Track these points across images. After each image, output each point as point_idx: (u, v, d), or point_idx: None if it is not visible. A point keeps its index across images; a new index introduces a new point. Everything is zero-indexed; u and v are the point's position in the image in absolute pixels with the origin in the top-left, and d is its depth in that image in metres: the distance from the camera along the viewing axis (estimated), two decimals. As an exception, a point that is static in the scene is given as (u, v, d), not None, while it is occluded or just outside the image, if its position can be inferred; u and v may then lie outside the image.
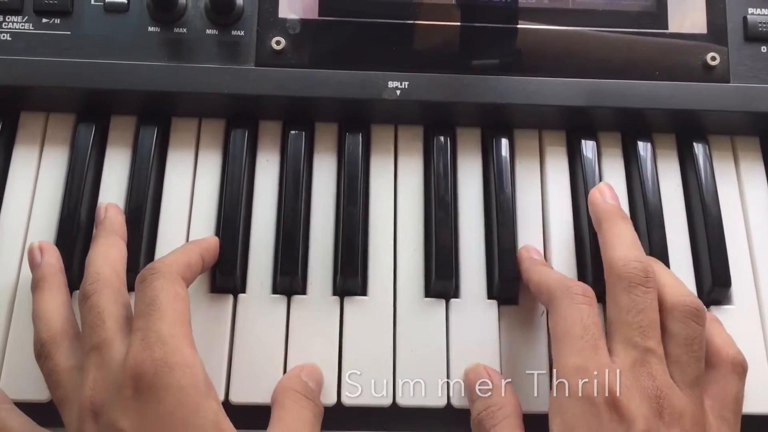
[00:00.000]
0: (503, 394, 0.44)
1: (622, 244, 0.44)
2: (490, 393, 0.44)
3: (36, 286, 0.45)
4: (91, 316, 0.41)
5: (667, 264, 0.49)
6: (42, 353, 0.42)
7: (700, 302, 0.42)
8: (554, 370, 0.40)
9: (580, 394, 0.38)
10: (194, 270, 0.44)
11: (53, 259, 0.46)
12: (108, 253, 0.44)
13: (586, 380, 0.38)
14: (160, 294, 0.39)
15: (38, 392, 0.45)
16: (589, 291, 0.42)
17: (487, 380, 0.45)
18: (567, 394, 0.39)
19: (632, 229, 0.45)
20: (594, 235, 0.48)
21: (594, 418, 0.38)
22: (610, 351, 0.41)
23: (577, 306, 0.41)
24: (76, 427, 0.38)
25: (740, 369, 0.43)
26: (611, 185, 0.49)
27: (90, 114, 0.51)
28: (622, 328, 0.41)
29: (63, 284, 0.45)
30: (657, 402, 0.38)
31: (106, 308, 0.41)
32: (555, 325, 0.42)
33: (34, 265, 0.46)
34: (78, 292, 0.46)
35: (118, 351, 0.39)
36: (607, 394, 0.38)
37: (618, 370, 0.39)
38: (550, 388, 0.40)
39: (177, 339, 0.38)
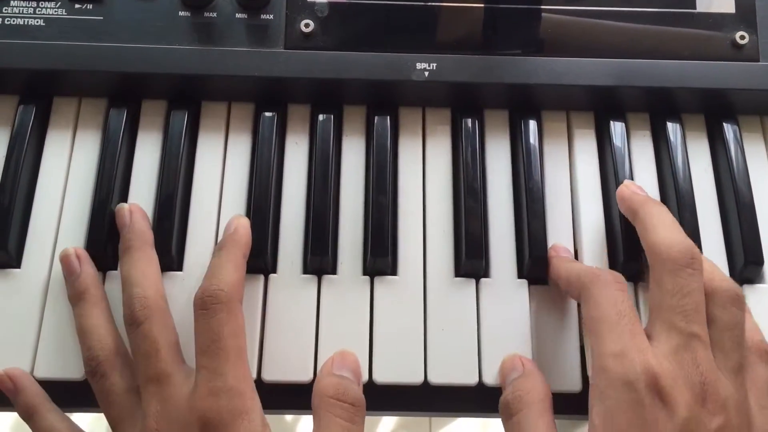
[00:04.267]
0: (534, 379, 0.43)
1: (663, 226, 0.43)
2: (520, 377, 0.44)
3: (80, 297, 0.45)
4: (146, 345, 0.41)
5: (699, 245, 0.48)
6: (98, 372, 0.43)
7: (739, 288, 0.42)
8: (592, 357, 0.40)
9: (619, 380, 0.37)
10: (244, 279, 0.44)
11: (92, 269, 0.46)
12: (146, 270, 0.45)
13: (626, 366, 0.37)
14: (224, 329, 0.40)
15: (72, 371, 0.45)
16: (620, 277, 0.41)
17: (520, 367, 0.44)
18: (606, 381, 0.38)
19: (669, 212, 0.44)
20: (624, 217, 0.48)
21: (635, 404, 0.37)
22: (650, 336, 0.40)
23: (610, 291, 0.40)
24: None
25: (765, 356, 0.42)
26: (635, 182, 0.49)
27: (121, 99, 0.52)
28: (664, 312, 0.40)
29: (104, 296, 0.46)
30: (701, 388, 0.37)
31: (159, 337, 0.42)
32: (588, 312, 0.41)
33: (71, 273, 0.46)
34: (114, 274, 0.47)
35: (177, 384, 0.40)
36: (648, 379, 0.37)
37: (659, 353, 0.38)
38: (589, 374, 0.40)
39: (240, 382, 0.40)
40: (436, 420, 1.25)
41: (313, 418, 0.42)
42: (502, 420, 0.43)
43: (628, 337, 0.38)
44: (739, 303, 0.41)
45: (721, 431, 0.37)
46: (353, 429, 0.41)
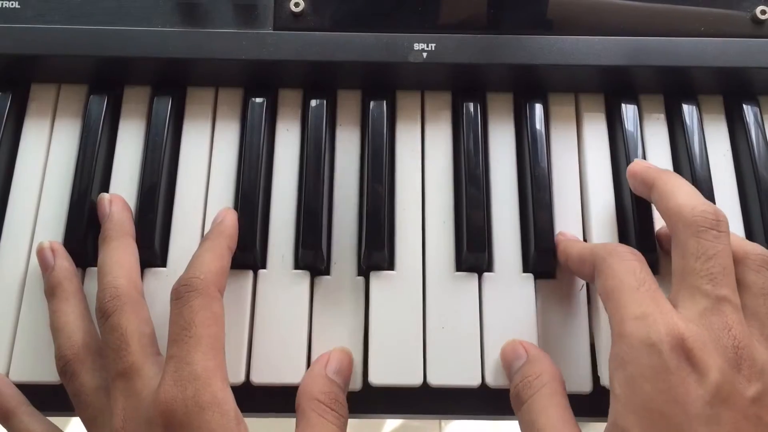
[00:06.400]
0: (540, 362, 0.41)
1: (683, 190, 0.40)
2: (526, 363, 0.41)
3: (52, 293, 0.43)
4: (114, 337, 0.39)
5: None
6: (67, 371, 0.41)
7: None
8: (611, 326, 0.37)
9: (642, 344, 0.34)
10: (227, 271, 0.42)
11: (66, 262, 0.44)
12: (122, 259, 0.42)
13: (648, 328, 0.34)
14: (197, 317, 0.38)
15: (48, 374, 0.43)
16: (637, 252, 0.38)
17: (523, 353, 0.42)
18: (628, 346, 0.35)
19: (687, 181, 0.41)
20: (638, 206, 0.45)
21: (660, 369, 0.33)
22: (673, 304, 0.36)
23: (627, 261, 0.37)
24: None
25: None
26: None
27: (102, 85, 0.49)
28: (688, 277, 0.37)
29: (79, 290, 0.44)
30: (734, 353, 0.34)
31: (129, 328, 0.39)
32: (605, 282, 0.38)
33: (46, 268, 0.44)
34: (94, 270, 0.45)
35: (147, 377, 0.38)
36: (673, 341, 0.34)
37: (686, 318, 0.35)
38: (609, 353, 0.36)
39: (209, 372, 0.36)
40: (445, 414, 1.23)
41: (299, 417, 0.40)
42: (515, 411, 0.40)
43: (650, 301, 0.35)
44: None
45: (759, 399, 0.34)
46: None
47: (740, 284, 0.37)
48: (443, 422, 1.24)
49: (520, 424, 0.40)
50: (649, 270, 0.38)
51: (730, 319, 0.35)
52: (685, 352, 0.34)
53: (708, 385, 0.33)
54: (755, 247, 0.39)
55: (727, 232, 0.38)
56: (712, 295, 0.36)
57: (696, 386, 0.33)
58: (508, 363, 0.43)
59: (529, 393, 0.39)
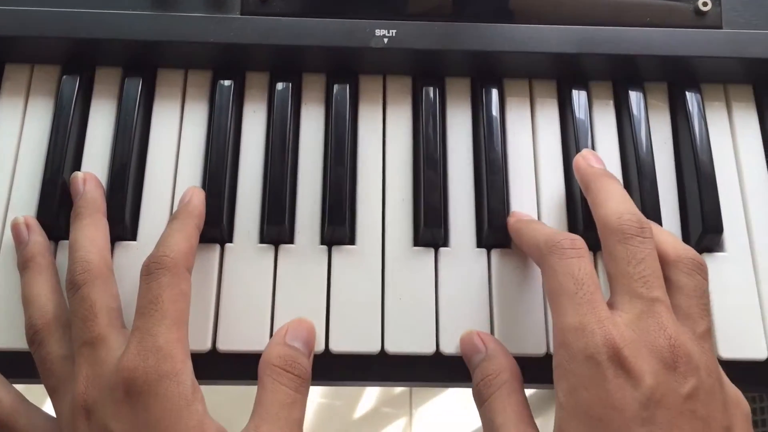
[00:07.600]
0: (499, 360, 0.43)
1: (612, 199, 0.42)
2: (485, 360, 0.43)
3: (25, 266, 0.44)
4: (83, 309, 0.41)
5: (660, 215, 0.48)
6: (35, 340, 0.42)
7: (702, 258, 0.42)
8: (553, 331, 0.39)
9: (581, 355, 0.37)
10: (195, 250, 0.44)
11: (41, 237, 0.45)
12: (94, 235, 0.44)
13: (586, 339, 0.37)
14: (164, 293, 0.39)
15: (20, 341, 0.44)
16: (579, 242, 0.40)
17: (482, 347, 0.44)
18: (568, 357, 0.37)
19: (621, 186, 0.44)
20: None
21: (598, 379, 0.36)
22: (612, 306, 0.39)
23: (567, 261, 0.39)
24: (69, 421, 0.39)
25: None
26: (594, 152, 0.48)
27: (75, 66, 0.51)
28: (622, 281, 0.39)
29: (52, 264, 0.45)
30: (670, 351, 0.37)
31: (97, 301, 0.41)
32: (547, 283, 0.40)
33: (20, 242, 0.45)
34: (67, 243, 0.46)
35: (112, 348, 0.39)
36: (609, 351, 0.36)
37: (621, 323, 0.37)
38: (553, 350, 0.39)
39: (171, 345, 0.38)
40: (417, 396, 1.25)
41: (258, 385, 0.42)
42: (477, 408, 0.43)
43: (587, 309, 0.38)
44: (703, 271, 0.41)
45: (694, 395, 0.36)
46: (297, 398, 0.41)
47: (672, 285, 0.40)
48: (413, 407, 1.27)
49: (482, 420, 0.42)
50: (588, 264, 0.39)
51: (664, 319, 0.38)
52: (620, 360, 0.36)
53: (643, 389, 0.36)
54: (687, 251, 0.41)
55: (651, 238, 0.40)
56: (647, 297, 0.38)
57: (632, 391, 0.36)
58: (467, 356, 0.45)
59: (489, 392, 0.42)
